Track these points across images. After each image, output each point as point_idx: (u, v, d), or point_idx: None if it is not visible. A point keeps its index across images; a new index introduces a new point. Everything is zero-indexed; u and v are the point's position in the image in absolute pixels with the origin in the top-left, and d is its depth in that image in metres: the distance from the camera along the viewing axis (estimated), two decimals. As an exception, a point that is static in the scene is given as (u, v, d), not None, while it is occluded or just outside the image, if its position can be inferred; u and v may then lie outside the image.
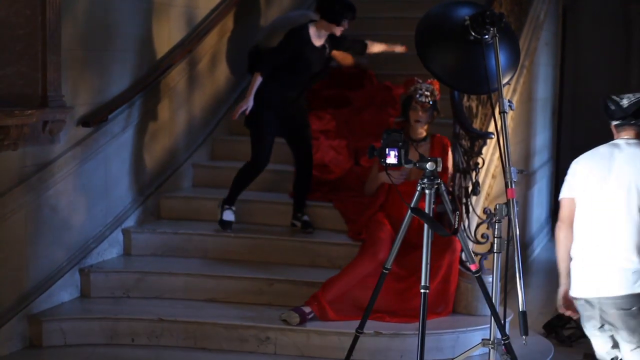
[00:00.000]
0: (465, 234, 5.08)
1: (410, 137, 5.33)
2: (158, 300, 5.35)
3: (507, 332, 4.06)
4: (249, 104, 5.65)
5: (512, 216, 3.67)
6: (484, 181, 5.73)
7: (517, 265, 3.58)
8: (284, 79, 5.74)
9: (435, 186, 3.87)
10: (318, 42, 5.78)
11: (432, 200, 3.89)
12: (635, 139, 4.07)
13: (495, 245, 4.04)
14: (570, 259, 4.12)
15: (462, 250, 5.17)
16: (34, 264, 5.04)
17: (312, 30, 5.76)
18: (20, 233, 4.93)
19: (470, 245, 5.13)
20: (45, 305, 5.10)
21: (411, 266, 5.08)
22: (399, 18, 7.64)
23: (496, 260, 4.05)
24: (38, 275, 5.08)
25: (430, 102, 5.31)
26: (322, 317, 5.00)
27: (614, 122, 4.13)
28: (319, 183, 6.20)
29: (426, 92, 5.30)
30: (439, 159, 3.88)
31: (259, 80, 5.65)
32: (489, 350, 4.11)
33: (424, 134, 5.40)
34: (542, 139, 8.89)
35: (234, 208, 5.83)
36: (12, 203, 4.86)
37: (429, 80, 5.33)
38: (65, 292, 5.29)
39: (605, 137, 4.16)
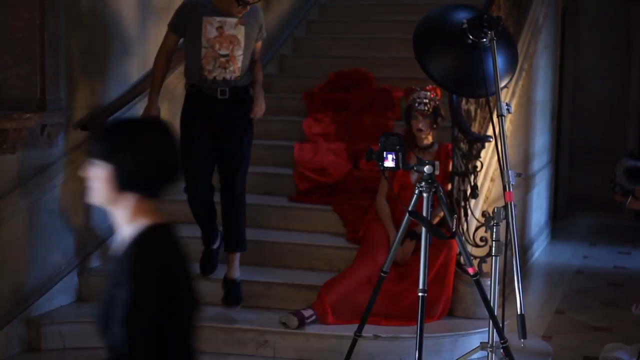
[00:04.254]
0: (463, 238, 5.08)
1: (416, 145, 5.30)
2: (156, 303, 5.33)
3: (506, 336, 4.07)
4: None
5: (510, 219, 3.68)
6: (482, 184, 5.73)
7: (516, 268, 3.58)
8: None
9: (433, 189, 3.87)
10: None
11: (430, 203, 3.89)
12: None
13: (493, 248, 4.05)
14: None
15: (459, 253, 5.17)
16: (32, 268, 5.04)
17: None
18: (18, 236, 4.93)
19: (469, 248, 5.12)
20: (44, 309, 5.11)
21: (406, 268, 5.08)
22: (397, 21, 7.64)
23: (494, 264, 4.06)
24: (37, 278, 5.08)
25: (430, 110, 5.25)
26: (322, 320, 4.99)
27: None
28: (317, 186, 6.20)
29: (425, 100, 5.22)
30: (437, 163, 3.87)
31: None
32: (488, 353, 4.12)
33: (430, 140, 5.34)
34: (541, 141, 8.87)
35: None
36: (11, 206, 4.86)
37: (428, 87, 5.29)
38: (64, 295, 5.28)
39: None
